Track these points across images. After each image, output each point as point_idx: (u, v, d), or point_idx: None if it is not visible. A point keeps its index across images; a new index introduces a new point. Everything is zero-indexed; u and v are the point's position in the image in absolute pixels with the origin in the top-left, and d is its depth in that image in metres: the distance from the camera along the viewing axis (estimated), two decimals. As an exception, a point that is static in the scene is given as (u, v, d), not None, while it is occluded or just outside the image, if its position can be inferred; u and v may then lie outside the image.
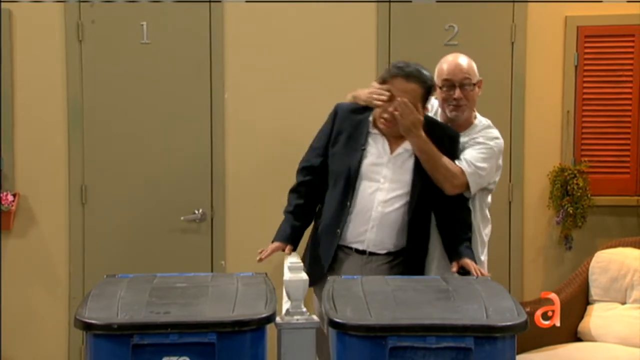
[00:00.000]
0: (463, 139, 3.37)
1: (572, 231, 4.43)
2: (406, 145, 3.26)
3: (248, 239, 4.33)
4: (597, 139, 4.47)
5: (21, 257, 4.49)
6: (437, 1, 4.39)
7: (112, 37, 4.45)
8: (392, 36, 4.43)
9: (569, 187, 4.38)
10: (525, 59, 4.44)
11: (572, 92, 4.44)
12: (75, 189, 4.48)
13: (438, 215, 3.33)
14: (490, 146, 3.36)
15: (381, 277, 2.90)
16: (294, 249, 3.31)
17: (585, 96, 4.44)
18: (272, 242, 3.33)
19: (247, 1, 4.42)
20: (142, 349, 2.33)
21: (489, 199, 3.52)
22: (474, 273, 3.14)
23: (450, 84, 3.36)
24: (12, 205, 4.38)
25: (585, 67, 4.43)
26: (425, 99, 3.24)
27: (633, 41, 4.39)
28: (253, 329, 2.38)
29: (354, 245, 3.26)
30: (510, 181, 4.46)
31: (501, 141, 3.42)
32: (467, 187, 3.29)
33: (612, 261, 4.14)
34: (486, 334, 2.35)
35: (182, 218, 4.48)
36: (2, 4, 4.38)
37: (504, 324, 2.38)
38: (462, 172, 3.26)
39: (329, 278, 2.84)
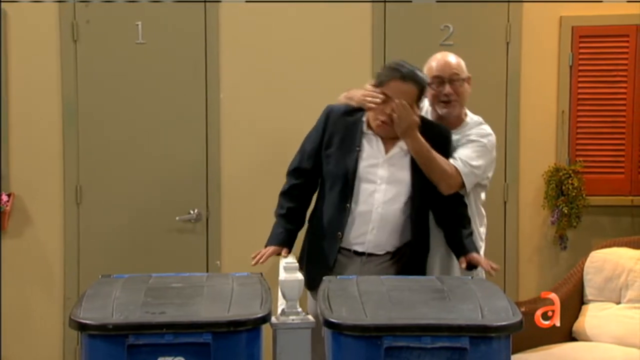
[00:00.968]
0: (455, 137, 3.38)
1: (567, 231, 4.44)
2: (401, 144, 3.25)
3: (243, 239, 4.33)
4: (592, 139, 4.47)
5: (16, 257, 4.48)
6: (437, 1, 4.40)
7: (107, 37, 4.45)
8: (388, 36, 4.43)
9: (563, 187, 4.39)
10: (520, 59, 4.44)
11: (567, 92, 4.45)
12: (70, 189, 4.48)
13: (437, 212, 3.34)
14: (484, 143, 3.38)
15: (377, 277, 2.90)
16: (290, 252, 3.31)
17: (580, 96, 4.45)
18: (266, 246, 3.32)
19: (247, 1, 4.42)
20: (137, 349, 2.32)
21: (483, 195, 3.53)
22: (485, 267, 3.14)
23: (440, 80, 3.38)
24: (7, 206, 4.37)
25: (580, 67, 4.43)
26: (419, 99, 3.25)
27: (628, 41, 4.40)
28: (248, 329, 2.38)
29: (354, 247, 3.26)
30: (505, 181, 4.47)
31: (493, 137, 3.44)
32: (463, 185, 3.30)
33: (606, 261, 4.14)
34: (481, 333, 2.35)
35: (177, 218, 4.47)
36: (-3, 3, 4.38)
37: (499, 323, 2.38)
38: (458, 172, 3.27)
39: (324, 278, 2.84)
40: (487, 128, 3.44)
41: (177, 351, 2.34)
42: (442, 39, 4.40)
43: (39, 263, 4.51)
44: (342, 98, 3.44)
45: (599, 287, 4.14)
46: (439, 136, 3.30)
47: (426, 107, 3.48)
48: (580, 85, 4.44)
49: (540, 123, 4.47)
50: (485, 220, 3.54)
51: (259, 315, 2.40)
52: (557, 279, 4.37)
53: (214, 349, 2.33)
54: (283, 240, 3.31)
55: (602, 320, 4.05)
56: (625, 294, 4.10)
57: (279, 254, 3.27)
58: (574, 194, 4.36)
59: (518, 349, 3.75)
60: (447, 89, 3.36)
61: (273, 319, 2.60)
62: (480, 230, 3.49)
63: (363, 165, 3.24)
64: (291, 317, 2.65)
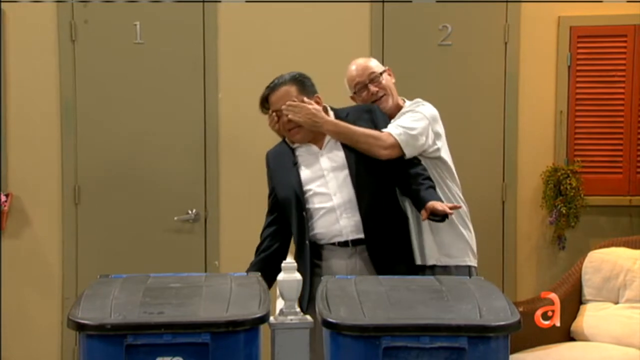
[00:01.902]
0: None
1: (565, 231, 4.44)
2: (325, 137, 3.31)
3: (241, 239, 4.31)
4: (590, 139, 4.48)
5: (14, 257, 4.48)
6: (436, 1, 4.40)
7: (105, 37, 4.45)
8: (386, 36, 4.44)
9: (562, 187, 4.39)
10: (518, 59, 4.45)
11: (565, 92, 4.45)
12: (68, 189, 4.48)
13: (396, 183, 3.31)
14: (418, 111, 3.37)
15: (375, 277, 2.90)
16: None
17: (578, 96, 4.45)
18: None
19: (247, 1, 4.42)
20: (135, 349, 2.32)
21: (454, 183, 3.45)
22: (443, 210, 3.06)
23: (362, 85, 3.47)
24: (5, 206, 4.37)
25: (579, 67, 4.44)
26: (304, 91, 3.30)
27: (626, 41, 4.40)
28: (247, 329, 2.37)
29: (334, 240, 3.25)
30: (503, 181, 4.47)
31: (430, 107, 3.41)
32: (399, 148, 3.25)
33: (605, 261, 4.15)
34: (480, 333, 2.35)
35: (175, 218, 4.48)
36: (-5, 3, 4.38)
37: (497, 323, 2.38)
38: (389, 134, 3.25)
39: (322, 278, 2.84)
40: (423, 102, 3.45)
41: (175, 351, 2.33)
42: (440, 39, 4.41)
43: (37, 263, 4.51)
44: None
45: (597, 287, 4.14)
46: (362, 112, 3.36)
47: None
48: (578, 85, 4.45)
49: (539, 123, 4.48)
50: (465, 207, 3.45)
51: (258, 316, 2.40)
52: (555, 279, 4.37)
53: (213, 349, 2.33)
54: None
55: (601, 320, 4.05)
56: (623, 293, 4.10)
57: None
58: (572, 194, 4.37)
59: (516, 349, 3.76)
60: (372, 88, 3.45)
61: (271, 319, 2.60)
62: (463, 212, 3.43)
63: (306, 171, 3.29)
64: (289, 317, 2.65)
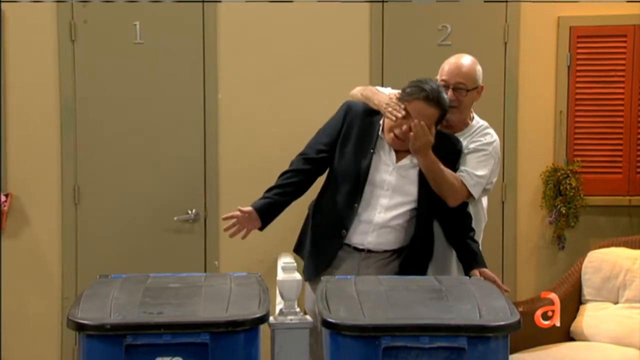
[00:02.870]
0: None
1: (565, 231, 4.44)
2: (411, 156, 3.27)
3: (241, 240, 4.32)
4: (590, 139, 4.48)
5: (14, 257, 4.47)
6: (437, 1, 4.40)
7: (105, 37, 4.44)
8: (386, 36, 4.43)
9: (561, 187, 4.39)
10: (518, 59, 4.45)
11: (565, 92, 4.45)
12: (68, 189, 4.47)
13: (444, 224, 3.36)
14: (488, 151, 3.40)
15: (375, 277, 2.90)
16: (261, 228, 3.30)
17: (578, 96, 4.45)
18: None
19: (247, 1, 4.42)
20: (135, 349, 2.32)
21: (485, 201, 3.55)
22: (494, 281, 3.12)
23: (445, 84, 3.38)
24: (5, 206, 4.37)
25: (578, 68, 4.44)
26: (439, 122, 3.25)
27: (625, 41, 4.40)
28: (246, 329, 2.38)
29: (354, 244, 3.29)
30: (503, 181, 4.47)
31: (497, 143, 3.46)
32: (470, 196, 3.33)
33: (604, 261, 4.15)
34: (479, 333, 2.35)
35: (175, 218, 4.47)
36: (-5, 3, 4.38)
37: (497, 323, 2.38)
38: (464, 185, 3.30)
39: (322, 278, 2.84)
40: (491, 134, 3.45)
41: (175, 351, 2.33)
42: (440, 39, 4.40)
43: (36, 263, 4.51)
44: (358, 94, 3.44)
45: (597, 287, 4.14)
46: (451, 148, 3.33)
47: None
48: (578, 85, 4.44)
49: (538, 123, 4.48)
50: (483, 224, 3.57)
51: (257, 316, 2.40)
52: (555, 279, 4.37)
53: (212, 349, 2.33)
54: (262, 206, 3.28)
55: (600, 320, 4.05)
56: (623, 293, 4.10)
57: (249, 229, 3.28)
58: (571, 194, 4.37)
59: (516, 349, 3.76)
60: (450, 94, 3.35)
61: (271, 319, 2.61)
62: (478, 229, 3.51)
63: (374, 169, 3.26)
64: (289, 317, 2.65)
